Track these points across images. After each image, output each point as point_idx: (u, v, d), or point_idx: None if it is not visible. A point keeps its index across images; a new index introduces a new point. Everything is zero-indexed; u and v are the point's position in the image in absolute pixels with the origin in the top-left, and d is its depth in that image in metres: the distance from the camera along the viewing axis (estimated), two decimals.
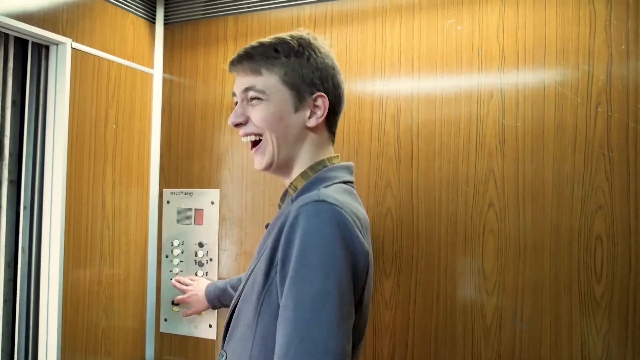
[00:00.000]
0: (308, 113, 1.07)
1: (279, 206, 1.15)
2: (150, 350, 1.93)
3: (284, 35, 1.09)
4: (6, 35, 1.53)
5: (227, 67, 1.11)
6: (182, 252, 1.91)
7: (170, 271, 1.91)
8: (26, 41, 1.58)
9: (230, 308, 1.08)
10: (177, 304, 1.87)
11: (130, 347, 1.87)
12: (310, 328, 0.82)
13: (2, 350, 1.54)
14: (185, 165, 1.94)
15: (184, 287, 1.81)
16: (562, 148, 1.42)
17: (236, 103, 1.10)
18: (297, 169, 1.09)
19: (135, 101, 1.89)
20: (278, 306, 0.90)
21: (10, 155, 1.56)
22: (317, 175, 1.06)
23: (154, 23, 1.98)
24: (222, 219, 1.86)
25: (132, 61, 1.87)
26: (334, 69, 1.11)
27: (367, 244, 0.97)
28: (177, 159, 1.96)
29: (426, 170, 1.56)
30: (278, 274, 0.91)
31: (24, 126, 1.60)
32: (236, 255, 1.83)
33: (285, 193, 1.12)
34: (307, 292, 0.84)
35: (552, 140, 1.43)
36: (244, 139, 1.10)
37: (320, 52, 1.09)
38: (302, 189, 1.05)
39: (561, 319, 1.40)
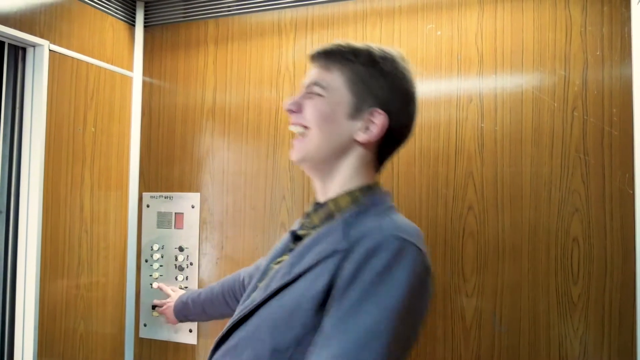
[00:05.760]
0: (360, 125, 1.00)
1: (308, 215, 1.07)
2: (129, 356, 1.91)
3: (374, 45, 1.04)
4: None
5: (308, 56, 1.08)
6: (162, 257, 1.89)
7: (150, 276, 1.89)
8: (2, 43, 1.55)
9: (234, 319, 0.99)
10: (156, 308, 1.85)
11: (109, 353, 1.84)
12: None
13: None
14: (166, 169, 1.92)
15: (164, 301, 1.77)
16: (540, 152, 1.44)
17: None
18: (338, 182, 1.02)
19: (115, 104, 1.87)
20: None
21: None
22: (368, 203, 0.99)
23: (134, 25, 1.96)
24: (202, 222, 1.85)
25: (112, 64, 1.85)
26: (408, 96, 1.04)
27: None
28: (157, 163, 1.94)
29: (406, 174, 1.57)
30: (335, 300, 0.84)
31: None
32: (217, 260, 1.82)
33: (322, 205, 1.03)
34: (361, 327, 0.79)
35: (529, 144, 1.45)
36: (291, 127, 1.05)
37: (399, 74, 1.02)
38: (358, 212, 0.97)
39: (539, 320, 1.42)
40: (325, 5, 1.71)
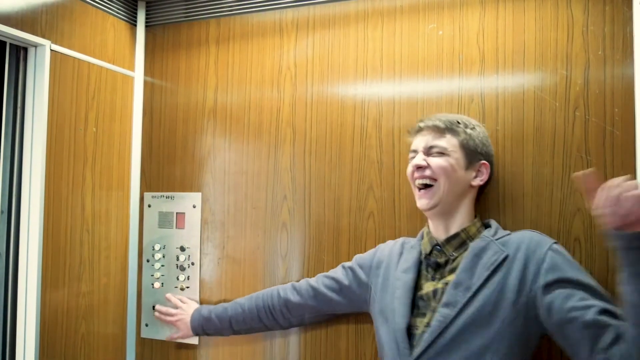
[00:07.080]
0: (474, 174, 1.34)
1: (441, 246, 1.34)
2: (131, 356, 1.91)
3: (461, 115, 1.42)
4: None
5: (416, 125, 1.38)
6: (164, 257, 1.89)
7: (152, 275, 1.89)
8: (4, 43, 1.55)
9: (431, 339, 1.22)
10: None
11: (110, 353, 1.85)
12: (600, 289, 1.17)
13: None
14: (167, 169, 1.92)
15: (174, 310, 1.79)
16: (541, 151, 1.44)
17: (412, 157, 1.37)
18: (460, 218, 1.34)
19: (116, 104, 1.87)
20: (524, 327, 1.19)
21: None
22: (495, 227, 1.34)
23: (135, 25, 1.96)
24: (204, 222, 1.85)
25: (113, 63, 1.85)
26: (491, 147, 1.40)
27: None
28: (158, 162, 1.94)
29: None
30: (538, 288, 1.18)
31: (1, 129, 1.57)
32: (218, 259, 1.82)
33: (454, 237, 1.33)
34: (589, 280, 1.18)
35: (531, 143, 1.45)
36: (419, 181, 1.33)
37: (484, 133, 1.38)
38: (494, 234, 1.31)
39: None
40: (326, 5, 1.71)
